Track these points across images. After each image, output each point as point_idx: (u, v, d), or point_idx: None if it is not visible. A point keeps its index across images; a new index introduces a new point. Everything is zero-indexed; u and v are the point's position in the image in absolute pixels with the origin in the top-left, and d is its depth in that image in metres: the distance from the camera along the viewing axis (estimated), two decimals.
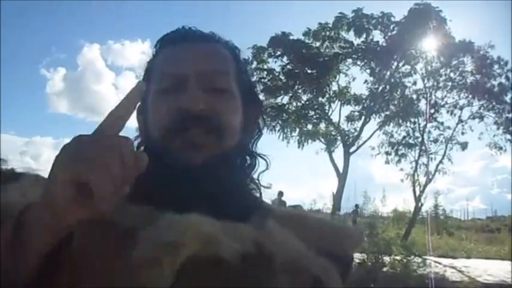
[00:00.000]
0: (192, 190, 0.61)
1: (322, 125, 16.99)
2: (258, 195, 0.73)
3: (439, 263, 11.58)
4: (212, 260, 0.56)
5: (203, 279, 0.56)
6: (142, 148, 0.71)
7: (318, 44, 15.94)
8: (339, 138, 16.46)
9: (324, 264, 0.64)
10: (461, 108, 16.28)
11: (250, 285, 0.58)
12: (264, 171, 0.73)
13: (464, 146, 16.55)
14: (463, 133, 16.48)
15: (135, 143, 0.72)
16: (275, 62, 16.13)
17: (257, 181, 0.73)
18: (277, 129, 16.69)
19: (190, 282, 0.55)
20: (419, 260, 10.01)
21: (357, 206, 17.47)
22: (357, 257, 9.26)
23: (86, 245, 0.54)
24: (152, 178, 0.62)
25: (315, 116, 16.75)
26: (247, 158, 0.72)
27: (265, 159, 0.73)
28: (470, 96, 16.00)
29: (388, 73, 15.79)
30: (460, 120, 16.37)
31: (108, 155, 0.46)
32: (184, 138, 0.64)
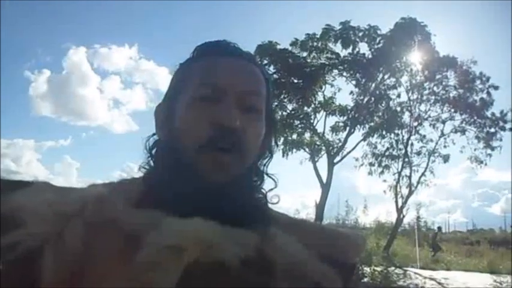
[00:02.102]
0: (207, 204, 0.62)
1: (307, 135, 17.07)
2: (264, 203, 0.74)
3: (419, 275, 11.68)
4: (214, 264, 0.57)
5: (205, 283, 0.57)
6: (157, 150, 0.72)
7: (304, 54, 16.06)
8: (323, 148, 16.56)
9: (325, 271, 0.65)
10: (443, 122, 16.59)
11: None
12: (271, 189, 0.75)
13: (446, 158, 16.80)
14: (445, 146, 16.77)
15: (151, 140, 0.73)
16: None
17: (265, 194, 0.74)
18: None
19: (192, 286, 0.56)
20: (400, 271, 10.08)
21: (439, 228, 17.32)
22: None
23: (90, 248, 0.56)
24: (171, 187, 0.64)
25: (300, 126, 16.82)
26: (258, 177, 0.74)
27: (274, 180, 0.75)
28: (452, 110, 16.30)
29: (373, 85, 15.97)
30: (443, 134, 16.66)
31: None
32: (214, 159, 0.65)
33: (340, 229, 0.79)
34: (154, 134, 0.74)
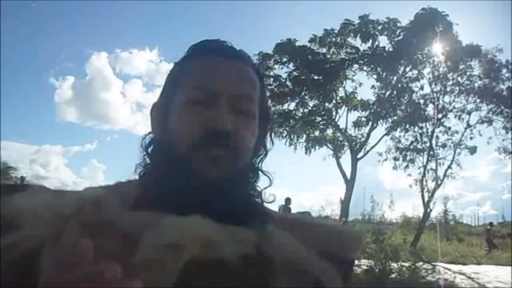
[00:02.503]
0: (203, 200, 0.63)
1: (329, 131, 16.97)
2: (259, 201, 0.75)
3: (449, 270, 11.45)
4: (213, 262, 0.57)
5: (204, 281, 0.57)
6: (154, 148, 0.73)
7: (324, 50, 15.96)
8: (346, 144, 16.42)
9: (324, 266, 0.65)
10: (469, 113, 16.20)
11: (250, 287, 0.60)
12: (267, 187, 0.76)
13: (472, 150, 16.42)
14: (471, 138, 16.39)
15: (147, 139, 0.74)
16: (281, 68, 16.20)
17: (260, 191, 0.75)
18: (284, 135, 16.70)
19: (191, 284, 0.56)
20: (429, 266, 9.90)
21: (491, 224, 16.99)
22: (364, 263, 9.19)
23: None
24: (167, 185, 0.66)
25: (321, 122, 16.74)
26: (253, 174, 0.75)
27: (268, 177, 0.76)
28: (478, 100, 15.90)
29: (395, 78, 15.75)
30: (468, 125, 16.27)
31: None
32: (206, 154, 0.66)
33: (339, 225, 0.79)
34: (150, 133, 0.75)
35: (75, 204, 0.61)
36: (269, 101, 0.80)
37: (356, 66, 15.87)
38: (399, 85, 15.72)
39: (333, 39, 15.77)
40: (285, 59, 15.92)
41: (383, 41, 15.40)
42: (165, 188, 0.65)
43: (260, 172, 0.75)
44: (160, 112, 0.73)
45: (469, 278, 10.74)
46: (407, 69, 15.65)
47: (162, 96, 0.75)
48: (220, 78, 0.70)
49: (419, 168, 16.65)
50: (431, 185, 16.33)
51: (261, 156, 0.76)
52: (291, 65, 16.00)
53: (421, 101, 16.06)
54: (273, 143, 0.80)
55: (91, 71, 36.63)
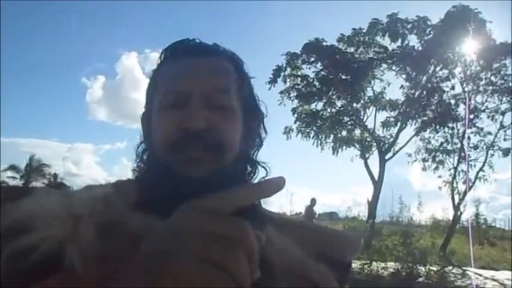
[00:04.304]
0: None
1: (357, 131, 16.80)
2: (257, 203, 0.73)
3: (480, 275, 11.14)
4: None
5: None
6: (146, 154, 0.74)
7: (352, 49, 15.82)
8: (374, 144, 16.22)
9: (323, 271, 0.65)
10: (503, 113, 15.70)
11: None
12: (263, 177, 0.73)
13: (506, 152, 15.91)
14: (505, 139, 15.88)
15: (140, 148, 0.75)
16: (309, 68, 16.15)
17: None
18: (311, 135, 16.64)
19: None
20: (458, 271, 9.67)
21: None
22: (391, 266, 9.06)
23: (102, 248, 0.56)
24: (154, 190, 0.65)
25: (349, 122, 16.59)
26: (248, 166, 0.73)
27: (264, 167, 0.74)
28: None
29: (425, 78, 15.45)
30: (502, 126, 15.78)
31: (247, 236, 0.45)
32: (183, 155, 0.65)
33: (336, 229, 0.78)
34: (142, 142, 0.75)
35: (88, 203, 0.62)
36: (253, 90, 0.77)
37: (385, 65, 15.67)
38: (429, 85, 15.41)
39: (361, 38, 15.61)
40: (312, 59, 15.85)
41: (412, 40, 15.18)
42: (154, 193, 0.65)
43: (255, 164, 0.73)
44: (146, 122, 0.75)
45: (502, 284, 10.41)
46: (438, 68, 15.33)
47: (145, 105, 0.76)
48: (189, 77, 0.69)
49: (449, 170, 16.32)
50: (461, 187, 15.96)
51: (256, 147, 0.75)
52: (318, 65, 15.93)
53: (452, 101, 15.72)
54: (266, 132, 0.77)
55: (121, 70, 37.49)
